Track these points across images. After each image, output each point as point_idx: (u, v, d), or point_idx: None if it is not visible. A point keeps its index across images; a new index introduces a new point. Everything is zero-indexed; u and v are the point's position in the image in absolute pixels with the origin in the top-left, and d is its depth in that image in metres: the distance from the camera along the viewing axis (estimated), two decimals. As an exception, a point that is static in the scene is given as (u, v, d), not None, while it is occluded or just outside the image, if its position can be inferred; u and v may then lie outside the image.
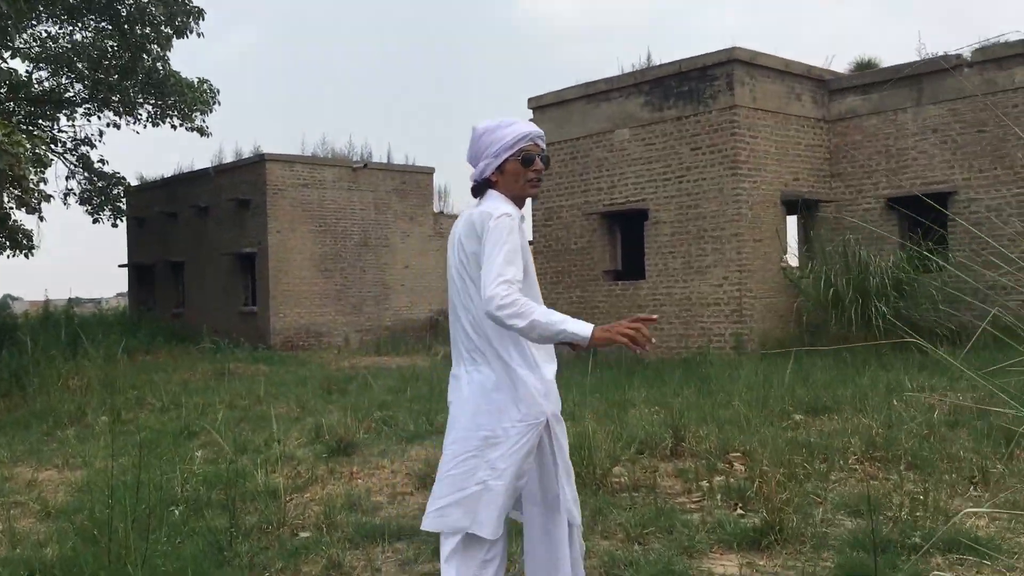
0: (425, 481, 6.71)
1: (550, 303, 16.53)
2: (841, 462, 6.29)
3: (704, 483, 6.19)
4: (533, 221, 16.51)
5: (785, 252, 14.39)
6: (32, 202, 16.79)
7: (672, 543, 4.88)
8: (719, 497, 5.84)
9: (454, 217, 27.39)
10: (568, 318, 2.97)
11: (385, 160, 25.63)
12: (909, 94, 14.15)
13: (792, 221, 14.81)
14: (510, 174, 3.21)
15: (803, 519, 5.04)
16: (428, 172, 26.33)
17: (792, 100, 14.48)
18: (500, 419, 3.10)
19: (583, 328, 2.95)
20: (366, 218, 24.49)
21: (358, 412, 10.18)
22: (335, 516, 5.70)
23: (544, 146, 3.28)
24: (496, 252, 2.99)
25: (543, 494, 3.26)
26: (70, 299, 25.43)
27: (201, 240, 25.24)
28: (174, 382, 15.01)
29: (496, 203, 3.15)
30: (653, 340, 3.08)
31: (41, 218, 23.66)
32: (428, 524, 3.19)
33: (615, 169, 15.11)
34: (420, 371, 15.18)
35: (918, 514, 4.99)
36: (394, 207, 25.35)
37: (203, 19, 21.48)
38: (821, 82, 14.93)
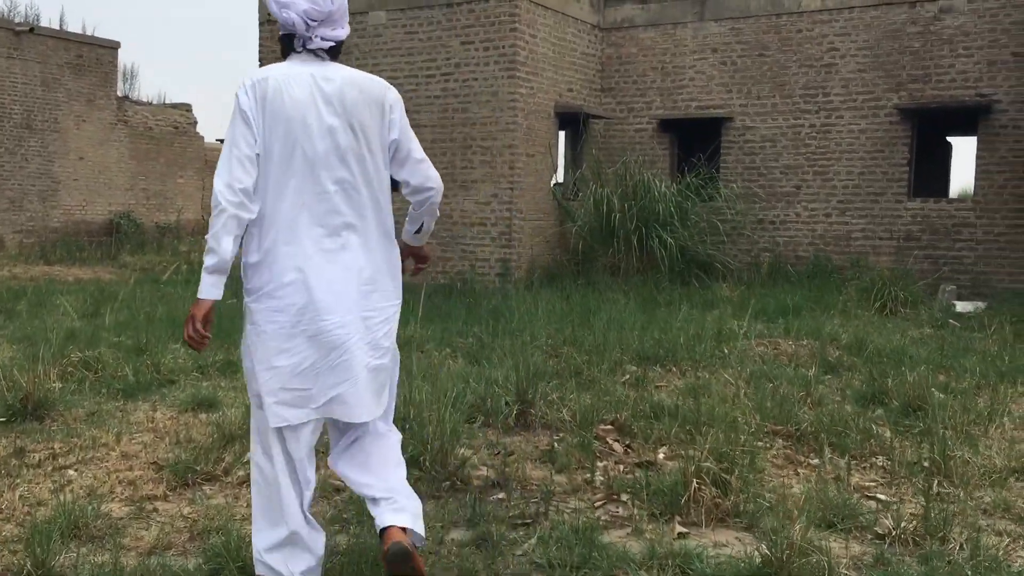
0: (184, 477, 4.44)
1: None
2: (750, 444, 4.84)
3: (597, 476, 4.52)
4: (260, 113, 13.78)
5: (555, 170, 13.00)
6: None
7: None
8: (633, 502, 4.19)
9: (141, 104, 23.36)
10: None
11: (58, 27, 21.05)
12: (690, 7, 13.14)
13: (561, 137, 13.43)
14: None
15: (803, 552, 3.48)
16: (112, 47, 22.04)
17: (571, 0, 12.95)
18: (387, 296, 3.07)
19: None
20: (30, 95, 19.98)
21: (43, 349, 7.40)
22: (42, 552, 3.35)
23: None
24: (413, 133, 3.15)
25: None
26: None
27: None
28: None
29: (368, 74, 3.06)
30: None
31: None
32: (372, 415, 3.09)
33: (367, 59, 12.80)
34: (111, 287, 12.14)
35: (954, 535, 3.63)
36: (67, 85, 20.94)
37: None
38: (599, -16, 13.54)
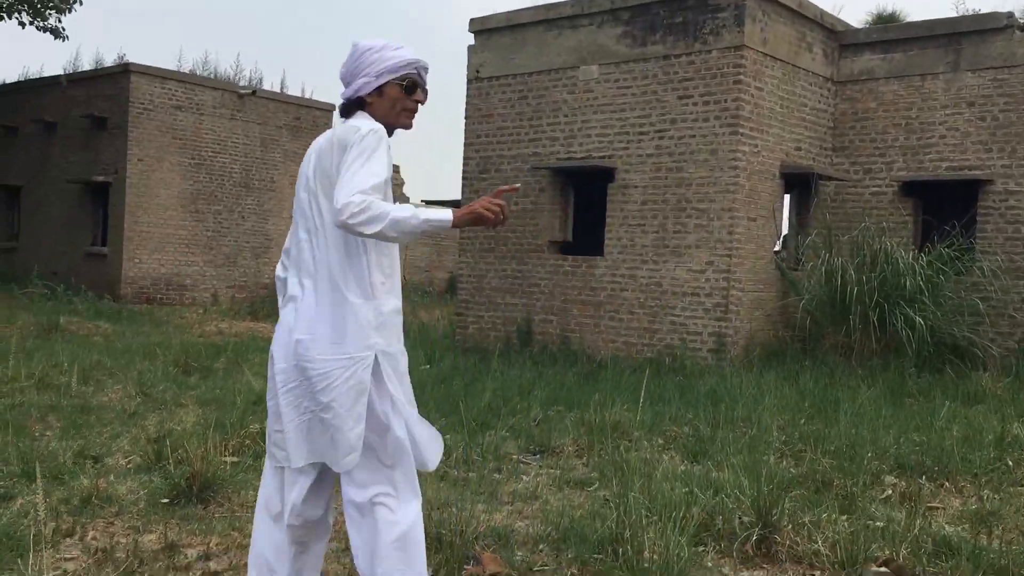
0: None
1: (478, 275, 13.46)
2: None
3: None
4: (464, 173, 13.33)
5: (779, 237, 11.71)
6: None
7: None
8: None
9: (353, 165, 23.88)
10: (424, 207, 2.81)
11: (278, 89, 21.87)
12: (942, 57, 11.62)
13: (786, 201, 12.14)
14: (388, 99, 3.07)
15: None
16: (328, 109, 22.69)
17: (803, 50, 11.75)
18: (323, 350, 2.94)
19: (443, 213, 2.83)
20: (250, 155, 20.73)
21: (225, 413, 6.92)
22: None
23: (426, 81, 3.13)
24: (359, 163, 2.82)
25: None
26: None
27: (45, 162, 20.93)
28: (-24, 339, 11.25)
29: (367, 121, 2.98)
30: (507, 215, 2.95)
31: None
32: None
33: (576, 115, 12.09)
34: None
35: None
36: (284, 145, 21.65)
37: None
38: (833, 33, 12.26)
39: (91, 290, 18.07)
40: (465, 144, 13.30)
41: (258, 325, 15.89)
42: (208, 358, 10.49)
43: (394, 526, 2.97)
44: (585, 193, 12.79)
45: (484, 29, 13.14)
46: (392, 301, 3.06)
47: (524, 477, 5.74)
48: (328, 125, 22.74)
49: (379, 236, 2.79)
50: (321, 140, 3.09)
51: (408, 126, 3.14)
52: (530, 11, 12.65)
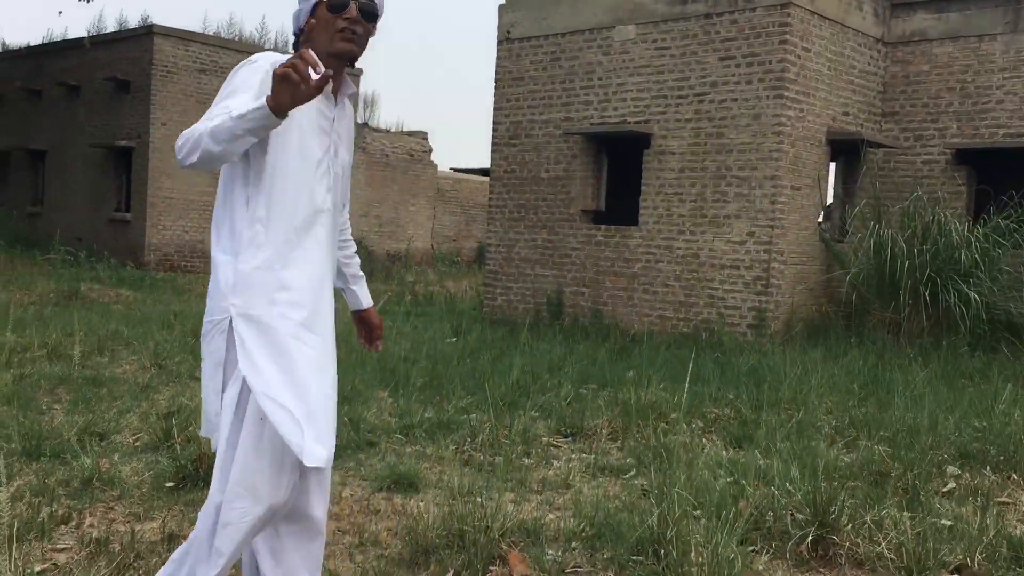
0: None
1: (507, 244, 13.00)
2: None
3: None
4: (493, 139, 12.85)
5: (824, 206, 11.15)
6: None
7: None
8: None
9: (379, 131, 23.43)
10: (256, 102, 2.27)
11: (304, 53, 21.41)
12: (1000, 17, 10.95)
13: (831, 169, 11.57)
14: (320, 23, 2.60)
15: None
16: (354, 74, 22.21)
17: (852, 8, 11.11)
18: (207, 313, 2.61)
19: (259, 101, 2.26)
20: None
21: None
22: None
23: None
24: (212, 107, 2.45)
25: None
26: None
27: (68, 126, 20.66)
28: (-5, 306, 11.01)
29: (264, 55, 2.56)
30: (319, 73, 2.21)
31: None
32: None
33: (611, 78, 11.55)
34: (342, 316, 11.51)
35: None
36: (311, 111, 21.24)
37: None
38: (884, -8, 11.62)
39: (114, 257, 17.85)
40: (494, 108, 12.81)
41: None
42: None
43: (198, 524, 2.60)
44: (619, 160, 12.28)
45: (515, -12, 12.59)
46: (258, 254, 2.54)
47: (555, 462, 5.34)
48: (357, 86, 22.32)
49: (210, 158, 2.35)
50: None
51: (350, 51, 2.62)
52: (564, -32, 12.09)
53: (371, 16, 2.64)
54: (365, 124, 23.14)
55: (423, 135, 24.74)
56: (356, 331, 3.15)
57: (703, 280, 10.70)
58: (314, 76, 2.20)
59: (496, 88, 12.78)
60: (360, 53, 2.66)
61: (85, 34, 20.64)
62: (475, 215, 25.67)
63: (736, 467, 4.94)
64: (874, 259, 9.99)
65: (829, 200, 11.50)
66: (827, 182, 11.12)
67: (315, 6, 2.61)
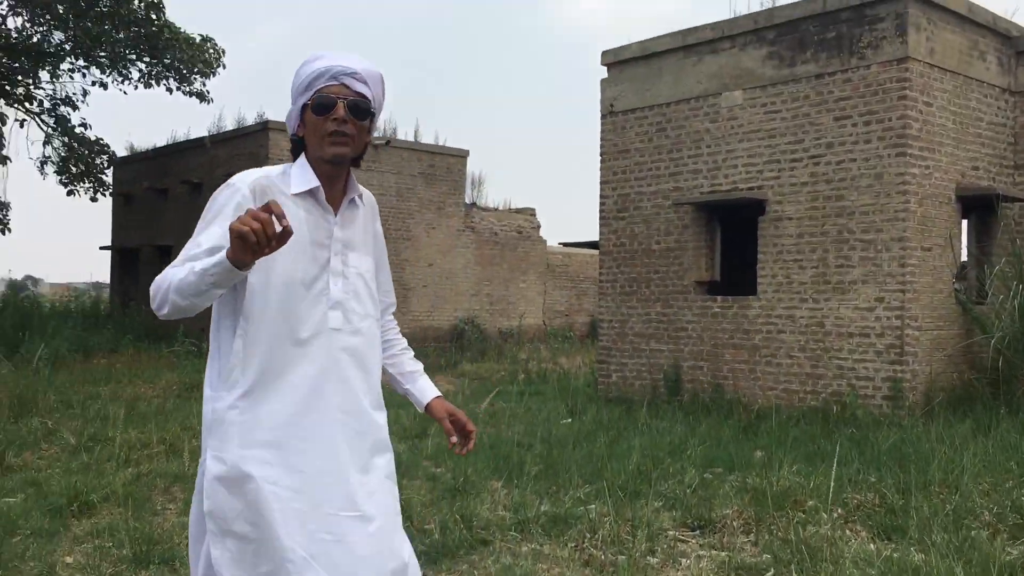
0: None
1: (621, 319, 12.65)
2: None
3: None
4: (601, 213, 12.64)
5: (958, 267, 10.45)
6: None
7: None
8: None
9: (487, 210, 23.59)
10: (216, 256, 2.12)
11: (412, 139, 21.85)
12: None
13: (963, 226, 10.87)
14: (309, 128, 2.40)
15: None
16: (461, 155, 22.53)
17: (975, 59, 10.55)
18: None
19: (218, 256, 2.11)
20: (386, 205, 20.70)
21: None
22: None
23: (360, 90, 2.37)
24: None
25: None
26: (22, 279, 21.75)
27: (192, 221, 21.35)
28: (120, 400, 11.28)
29: (249, 173, 2.41)
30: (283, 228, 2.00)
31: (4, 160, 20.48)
32: None
33: (720, 145, 11.24)
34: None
35: None
36: (420, 194, 21.57)
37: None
38: (1008, 39, 11.00)
39: (235, 345, 18.23)
40: (601, 182, 12.62)
41: (396, 377, 15.55)
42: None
43: None
44: (733, 229, 11.84)
45: (617, 61, 12.49)
46: (234, 391, 2.31)
47: (683, 560, 4.92)
48: (462, 171, 22.57)
49: (180, 311, 2.22)
50: None
51: (340, 155, 2.38)
52: (666, 38, 11.93)
53: (363, 113, 2.41)
54: (473, 204, 23.34)
55: (531, 211, 24.78)
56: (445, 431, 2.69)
57: (830, 350, 10.10)
58: (278, 227, 2.00)
59: (602, 162, 12.61)
60: (355, 154, 2.43)
61: (206, 133, 21.59)
62: (586, 289, 25.42)
63: (890, 566, 4.44)
64: (1019, 321, 9.24)
65: (963, 260, 10.78)
66: (960, 241, 10.43)
67: (303, 109, 2.42)
